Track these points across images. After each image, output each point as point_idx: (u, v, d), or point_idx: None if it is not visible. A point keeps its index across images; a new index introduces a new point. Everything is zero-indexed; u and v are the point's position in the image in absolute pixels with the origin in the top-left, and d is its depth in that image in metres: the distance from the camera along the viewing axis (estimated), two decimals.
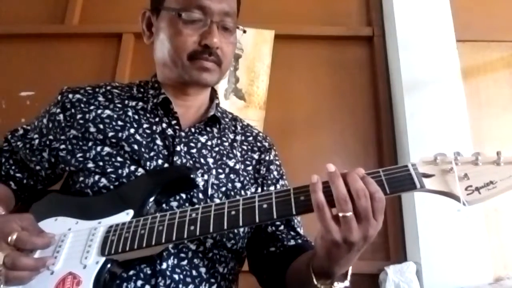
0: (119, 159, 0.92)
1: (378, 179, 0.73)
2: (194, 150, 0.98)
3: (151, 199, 0.85)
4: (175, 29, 0.97)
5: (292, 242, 0.99)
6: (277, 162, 1.13)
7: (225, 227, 0.76)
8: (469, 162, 0.73)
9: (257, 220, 0.75)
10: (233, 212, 0.76)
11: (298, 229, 1.04)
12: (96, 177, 0.89)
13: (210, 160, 0.99)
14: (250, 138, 1.12)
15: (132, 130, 0.96)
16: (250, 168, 1.06)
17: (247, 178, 1.03)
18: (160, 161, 0.93)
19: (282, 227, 1.02)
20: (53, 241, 0.82)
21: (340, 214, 0.68)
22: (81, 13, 2.31)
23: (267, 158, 1.10)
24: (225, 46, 1.00)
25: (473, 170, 0.72)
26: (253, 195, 0.77)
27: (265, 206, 0.75)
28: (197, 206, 0.80)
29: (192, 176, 0.88)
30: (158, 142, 0.96)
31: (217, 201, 0.92)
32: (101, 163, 0.91)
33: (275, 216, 0.75)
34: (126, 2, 2.24)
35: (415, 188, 0.72)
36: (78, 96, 1.01)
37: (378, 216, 0.69)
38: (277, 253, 0.99)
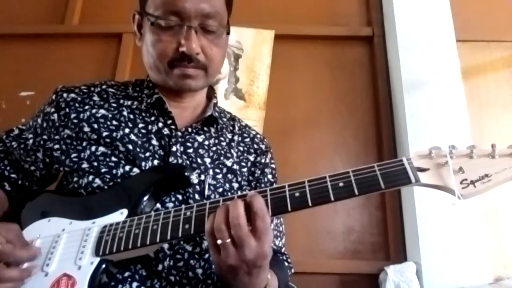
0: (113, 159, 0.90)
1: (373, 174, 0.73)
2: (190, 150, 0.97)
3: (145, 198, 0.85)
4: (155, 36, 0.95)
5: None
6: (272, 166, 1.13)
7: None
8: (464, 155, 0.73)
9: None
10: None
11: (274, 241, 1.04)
12: (90, 177, 0.88)
13: (207, 160, 0.98)
14: (247, 139, 1.11)
15: (127, 130, 0.95)
16: (245, 169, 1.05)
17: (243, 179, 1.02)
18: (156, 162, 0.92)
19: None
20: (38, 253, 0.81)
21: (218, 242, 0.71)
22: (81, 13, 2.31)
23: (262, 161, 1.09)
24: (208, 49, 0.96)
25: (468, 164, 0.71)
26: (247, 193, 0.77)
27: None
28: (191, 204, 0.79)
29: (186, 174, 0.87)
30: (154, 142, 0.95)
31: None
32: (95, 163, 0.90)
33: (270, 213, 0.74)
34: (126, 2, 2.23)
35: (410, 183, 0.72)
36: (72, 95, 1.00)
37: (260, 236, 0.71)
38: None
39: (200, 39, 0.95)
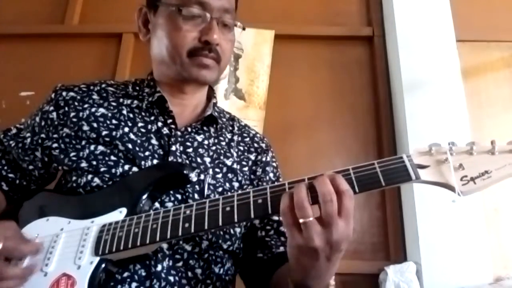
0: (112, 158, 0.90)
1: (373, 171, 0.72)
2: (190, 150, 0.97)
3: (144, 196, 0.84)
4: (174, 25, 0.95)
5: (281, 249, 0.98)
6: (274, 164, 1.12)
7: (220, 223, 0.74)
8: (464, 152, 0.72)
9: (252, 216, 0.74)
10: (228, 208, 0.75)
11: None
12: (89, 176, 0.88)
13: (207, 160, 0.97)
14: (247, 139, 1.11)
15: (126, 129, 0.94)
16: (246, 169, 1.04)
17: (244, 178, 1.02)
18: (155, 161, 0.92)
19: (272, 232, 1.01)
20: (41, 247, 0.80)
21: (300, 220, 0.67)
22: (81, 13, 2.31)
23: (263, 159, 1.08)
24: (224, 43, 0.98)
25: (468, 160, 0.71)
26: (248, 191, 0.76)
27: (260, 201, 0.74)
28: (191, 203, 0.79)
29: (185, 172, 0.87)
30: (153, 141, 0.95)
31: None
32: (94, 162, 0.89)
33: (270, 211, 0.73)
34: (126, 2, 2.24)
35: (410, 180, 0.71)
36: (72, 94, 1.00)
37: (348, 217, 0.67)
38: (265, 259, 0.97)
39: (219, 32, 0.96)
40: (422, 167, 0.72)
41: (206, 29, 0.95)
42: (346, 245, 0.70)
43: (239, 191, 0.94)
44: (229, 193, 0.94)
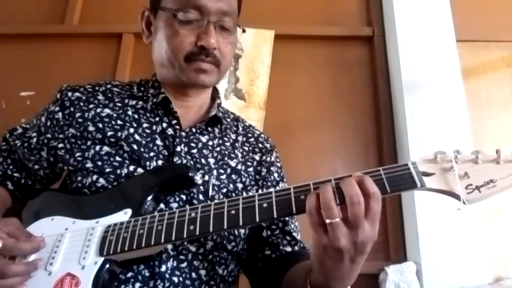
0: (118, 158, 0.90)
1: (379, 178, 0.72)
2: (194, 151, 0.97)
3: (149, 197, 0.84)
4: (172, 30, 0.95)
5: (289, 248, 0.98)
6: (278, 164, 1.12)
7: (225, 226, 0.74)
8: (469, 161, 0.72)
9: (257, 220, 0.74)
10: (233, 212, 0.75)
11: (295, 234, 1.01)
12: (94, 177, 0.88)
13: (211, 161, 0.98)
14: (252, 139, 1.11)
15: (131, 130, 0.95)
16: (251, 169, 1.04)
17: (249, 179, 1.02)
18: (160, 162, 0.92)
19: (277, 232, 1.00)
20: (42, 244, 0.80)
21: (327, 221, 0.66)
22: (81, 13, 2.31)
23: (268, 159, 1.09)
24: (223, 46, 0.98)
25: (473, 169, 0.71)
26: (253, 194, 0.76)
27: (265, 205, 0.74)
28: (196, 205, 0.79)
29: (190, 174, 0.87)
30: (158, 142, 0.95)
31: None
32: (99, 163, 0.89)
33: (275, 215, 0.73)
34: (126, 2, 2.24)
35: (415, 187, 0.71)
36: (77, 94, 1.00)
37: (374, 219, 0.67)
38: (273, 257, 0.97)
39: (217, 35, 0.96)
40: (427, 174, 0.72)
41: (202, 34, 0.94)
42: (370, 247, 0.70)
43: (244, 192, 0.95)
44: (233, 194, 0.95)
